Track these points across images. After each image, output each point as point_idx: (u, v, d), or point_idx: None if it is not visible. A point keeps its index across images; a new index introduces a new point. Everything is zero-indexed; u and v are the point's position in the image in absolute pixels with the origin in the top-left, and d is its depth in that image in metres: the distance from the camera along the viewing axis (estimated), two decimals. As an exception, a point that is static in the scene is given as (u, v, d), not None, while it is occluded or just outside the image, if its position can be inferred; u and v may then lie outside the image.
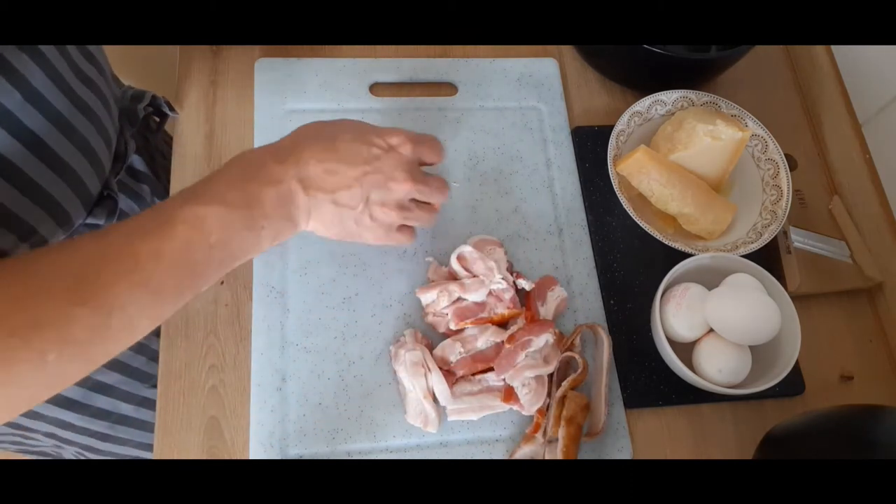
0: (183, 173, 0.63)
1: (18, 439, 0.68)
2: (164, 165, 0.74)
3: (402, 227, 0.55)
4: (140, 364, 0.68)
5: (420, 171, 0.54)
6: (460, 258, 0.60)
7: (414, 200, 0.54)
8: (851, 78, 0.75)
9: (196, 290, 0.44)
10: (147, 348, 0.68)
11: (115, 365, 0.65)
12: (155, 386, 0.70)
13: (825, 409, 0.54)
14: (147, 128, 0.72)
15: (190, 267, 0.42)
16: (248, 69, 0.68)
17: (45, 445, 0.71)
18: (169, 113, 0.68)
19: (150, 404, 0.71)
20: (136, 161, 0.66)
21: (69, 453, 0.73)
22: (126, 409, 0.70)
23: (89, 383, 0.64)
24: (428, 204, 0.55)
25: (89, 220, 0.56)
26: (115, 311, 0.38)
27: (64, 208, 0.52)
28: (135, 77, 0.72)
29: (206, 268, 0.44)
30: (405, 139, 0.52)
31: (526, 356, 0.57)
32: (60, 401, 0.63)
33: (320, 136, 0.50)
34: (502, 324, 0.60)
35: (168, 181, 0.64)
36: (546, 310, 0.60)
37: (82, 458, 0.74)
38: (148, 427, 0.73)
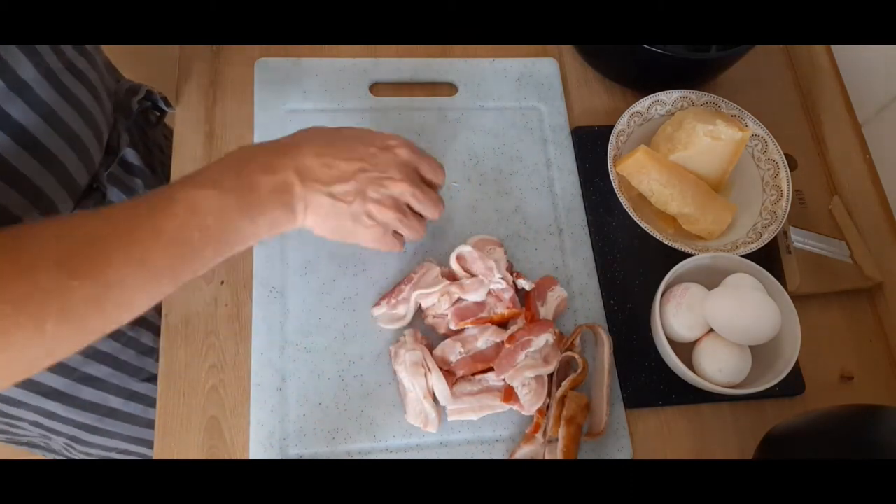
0: (183, 172, 0.63)
1: (5, 427, 0.68)
2: (161, 159, 0.74)
3: (396, 234, 0.55)
4: (130, 357, 0.67)
5: (417, 177, 0.54)
6: (459, 258, 0.60)
7: (409, 208, 0.54)
8: (851, 78, 0.75)
9: (194, 273, 0.44)
10: (137, 342, 0.67)
11: (104, 357, 0.65)
12: (146, 380, 0.70)
13: (825, 409, 0.54)
14: (146, 121, 0.72)
15: (187, 247, 0.43)
16: (248, 69, 0.68)
17: (33, 435, 0.70)
18: (165, 108, 0.68)
19: (140, 398, 0.71)
20: (130, 154, 0.66)
21: (57, 444, 0.73)
22: (115, 402, 0.69)
23: (76, 375, 0.63)
24: (420, 216, 0.55)
25: (76, 212, 0.56)
26: (112, 286, 0.39)
27: (50, 199, 0.52)
28: (135, 76, 0.72)
29: (204, 249, 0.44)
30: (402, 142, 0.53)
31: (526, 356, 0.57)
32: (45, 390, 0.62)
33: (320, 134, 0.52)
34: (502, 324, 0.60)
35: (165, 175, 0.63)
36: (546, 310, 0.60)
37: (70, 448, 0.74)
38: (138, 421, 0.73)
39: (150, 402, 0.59)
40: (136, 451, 0.78)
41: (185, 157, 0.64)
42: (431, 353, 0.57)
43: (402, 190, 0.52)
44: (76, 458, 0.78)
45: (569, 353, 0.58)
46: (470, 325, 0.58)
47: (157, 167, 0.72)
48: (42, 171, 0.50)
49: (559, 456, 0.54)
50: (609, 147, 0.65)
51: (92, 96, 0.55)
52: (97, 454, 0.77)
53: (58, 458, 0.78)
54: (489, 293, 0.59)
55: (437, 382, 0.55)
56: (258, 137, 0.65)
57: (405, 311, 0.59)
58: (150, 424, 0.70)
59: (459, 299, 0.59)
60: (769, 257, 0.67)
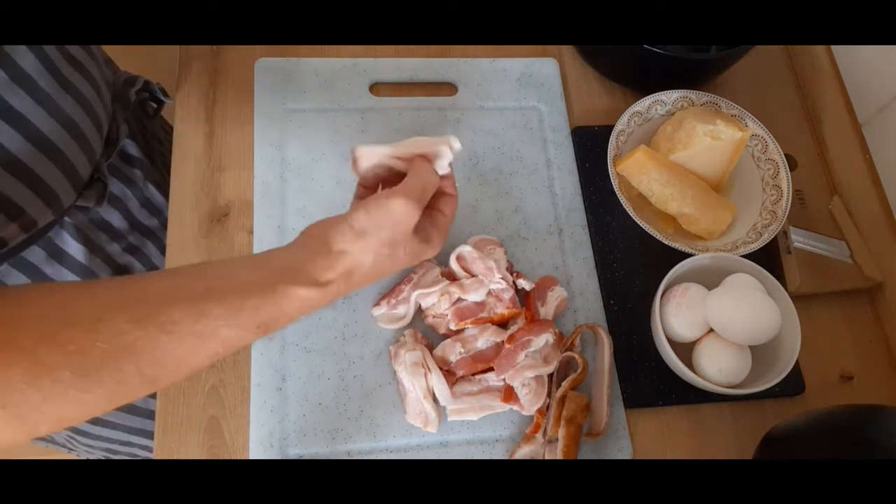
0: (183, 171, 0.63)
1: None
2: (160, 151, 0.74)
3: None
4: None
5: None
6: (459, 258, 0.60)
7: None
8: (851, 78, 0.75)
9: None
10: None
11: None
12: None
13: (825, 409, 0.54)
14: (144, 113, 0.72)
15: (202, 367, 0.42)
16: (248, 69, 0.68)
17: None
18: (163, 98, 0.68)
19: None
20: (129, 145, 0.66)
21: (61, 436, 0.74)
22: None
23: None
24: None
25: (79, 203, 0.56)
26: (116, 393, 0.38)
27: (53, 190, 0.52)
28: (134, 72, 0.72)
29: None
30: (437, 250, 0.52)
31: (526, 356, 0.57)
32: None
33: (376, 268, 0.48)
34: (502, 324, 0.60)
35: (164, 166, 0.63)
36: (546, 310, 0.60)
37: (73, 441, 0.74)
38: (138, 412, 0.73)
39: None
40: (138, 443, 0.79)
41: (186, 156, 0.64)
42: (431, 353, 0.57)
43: None
44: (78, 451, 0.78)
45: (569, 353, 0.58)
46: (470, 325, 0.58)
47: (156, 158, 0.72)
48: (45, 161, 0.50)
49: (559, 456, 0.54)
50: (609, 147, 0.65)
51: (92, 88, 0.55)
52: (99, 446, 0.77)
53: (60, 450, 0.78)
54: (489, 293, 0.59)
55: (437, 382, 0.55)
56: (258, 137, 0.65)
57: (405, 311, 0.59)
58: (150, 415, 0.70)
59: (459, 299, 0.59)
60: (769, 257, 0.67)
